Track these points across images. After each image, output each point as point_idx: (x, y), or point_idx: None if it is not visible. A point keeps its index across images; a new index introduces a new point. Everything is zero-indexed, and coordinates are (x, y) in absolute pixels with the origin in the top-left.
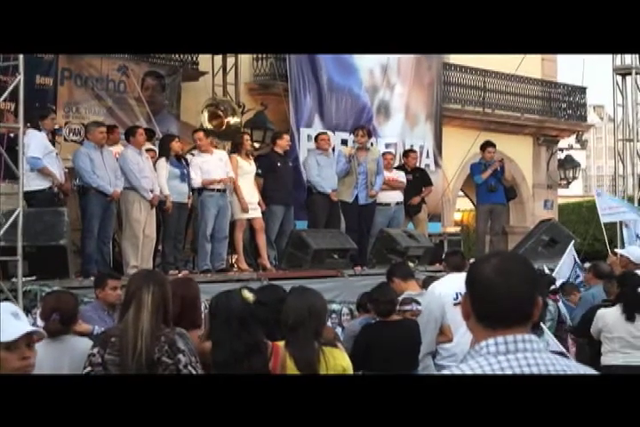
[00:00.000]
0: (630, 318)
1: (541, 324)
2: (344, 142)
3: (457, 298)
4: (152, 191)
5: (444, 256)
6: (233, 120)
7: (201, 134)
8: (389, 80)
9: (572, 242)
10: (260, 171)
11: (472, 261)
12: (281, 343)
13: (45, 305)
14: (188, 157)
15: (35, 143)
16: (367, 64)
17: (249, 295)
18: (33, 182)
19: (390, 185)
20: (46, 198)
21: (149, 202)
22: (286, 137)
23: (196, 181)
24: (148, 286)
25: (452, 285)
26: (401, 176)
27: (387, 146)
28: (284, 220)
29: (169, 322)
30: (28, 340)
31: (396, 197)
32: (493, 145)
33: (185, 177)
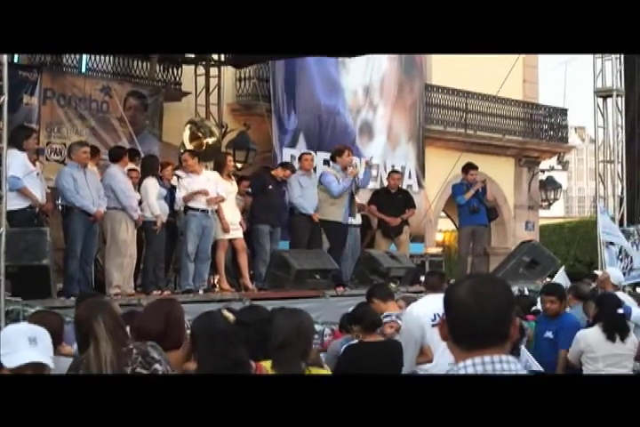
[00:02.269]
0: (611, 337)
1: (521, 345)
2: (326, 162)
3: (435, 319)
4: (136, 211)
5: (423, 277)
6: (212, 140)
7: (186, 155)
8: (372, 101)
9: (563, 267)
10: (249, 190)
11: (451, 282)
12: (264, 364)
13: None
14: (174, 177)
15: (16, 163)
16: (351, 84)
17: (229, 315)
18: (12, 202)
19: (363, 208)
20: (26, 218)
21: (135, 222)
22: (288, 172)
23: (178, 200)
24: (96, 316)
25: (430, 305)
26: (362, 200)
27: (370, 167)
28: (270, 240)
29: (128, 335)
30: (36, 369)
31: (360, 219)
32: (475, 167)
33: (167, 197)
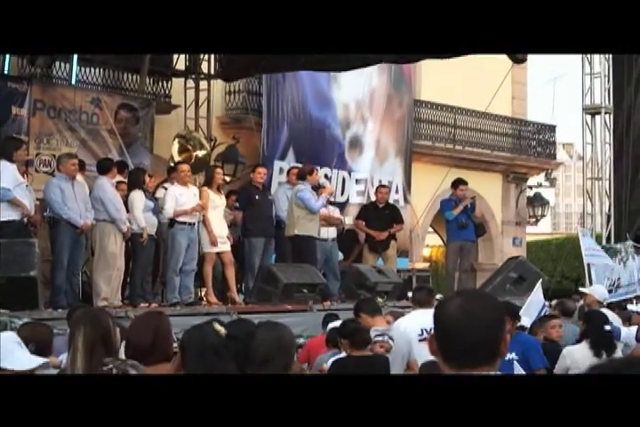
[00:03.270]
0: (597, 354)
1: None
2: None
3: (422, 334)
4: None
5: (410, 292)
6: (201, 153)
7: (186, 167)
8: (363, 115)
9: (540, 281)
10: (237, 204)
11: (438, 297)
12: None
13: (20, 336)
14: (160, 189)
15: (5, 174)
16: (343, 98)
17: (220, 328)
18: (2, 213)
19: (327, 221)
20: (15, 230)
21: (123, 234)
22: (260, 170)
23: (168, 211)
24: (80, 328)
25: (417, 320)
26: (336, 213)
27: (357, 181)
28: (263, 252)
29: (113, 354)
30: (42, 368)
31: (332, 233)
32: (465, 183)
33: (155, 209)
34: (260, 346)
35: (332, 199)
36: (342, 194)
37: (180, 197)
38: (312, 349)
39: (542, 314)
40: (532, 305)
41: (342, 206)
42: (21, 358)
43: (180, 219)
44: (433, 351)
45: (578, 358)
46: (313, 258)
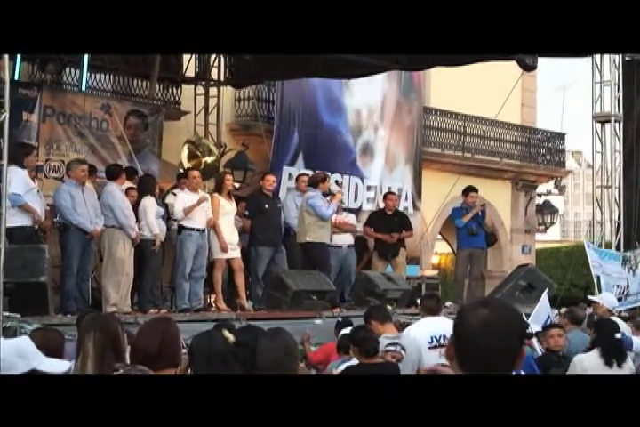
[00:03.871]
0: (608, 362)
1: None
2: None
3: (432, 342)
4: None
5: (420, 300)
6: (210, 159)
7: (197, 173)
8: (374, 122)
9: (547, 289)
10: (247, 212)
11: (447, 304)
12: None
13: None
14: (170, 195)
15: (17, 180)
16: (354, 104)
17: (229, 335)
18: (13, 219)
19: (341, 228)
20: (25, 235)
21: (132, 240)
22: (269, 178)
23: (178, 216)
24: (90, 333)
25: (427, 328)
26: (351, 219)
27: (368, 188)
28: (272, 260)
29: (122, 359)
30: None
31: (347, 239)
32: (476, 190)
33: (164, 216)
34: (266, 353)
35: (344, 205)
36: (355, 200)
37: (188, 202)
38: (330, 353)
39: (548, 323)
40: (540, 313)
41: (355, 213)
42: (54, 362)
43: (189, 225)
44: (449, 356)
45: (588, 366)
46: (326, 264)
